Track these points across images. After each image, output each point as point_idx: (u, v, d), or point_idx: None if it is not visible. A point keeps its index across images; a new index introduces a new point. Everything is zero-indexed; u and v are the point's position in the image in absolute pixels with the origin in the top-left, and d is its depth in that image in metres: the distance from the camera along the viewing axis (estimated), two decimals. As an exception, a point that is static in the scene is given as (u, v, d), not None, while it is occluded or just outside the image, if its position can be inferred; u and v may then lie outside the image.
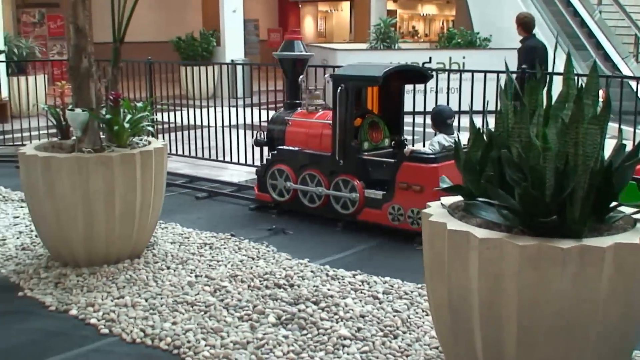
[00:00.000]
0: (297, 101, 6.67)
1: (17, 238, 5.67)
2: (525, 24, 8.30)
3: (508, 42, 14.77)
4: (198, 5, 18.32)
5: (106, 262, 4.87)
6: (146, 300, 4.32)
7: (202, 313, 4.13)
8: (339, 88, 5.86)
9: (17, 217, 6.31)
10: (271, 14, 29.55)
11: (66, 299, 4.34)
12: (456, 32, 15.33)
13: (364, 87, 6.23)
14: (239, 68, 10.59)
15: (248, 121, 8.59)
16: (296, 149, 6.33)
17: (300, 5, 31.12)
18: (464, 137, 6.10)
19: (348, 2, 31.27)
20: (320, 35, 32.63)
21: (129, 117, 5.06)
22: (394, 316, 4.05)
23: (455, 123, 5.96)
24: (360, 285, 4.55)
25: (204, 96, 10.15)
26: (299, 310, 4.11)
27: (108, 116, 4.90)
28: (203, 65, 14.08)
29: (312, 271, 4.82)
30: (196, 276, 4.74)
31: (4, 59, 12.38)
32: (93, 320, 4.06)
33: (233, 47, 17.03)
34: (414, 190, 5.54)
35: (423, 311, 4.13)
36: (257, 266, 4.93)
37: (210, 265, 4.97)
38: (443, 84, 7.55)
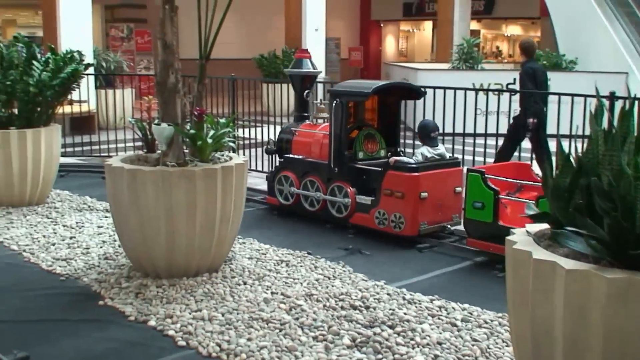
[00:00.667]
0: (305, 114, 7.36)
1: (101, 247, 5.83)
2: (526, 49, 8.97)
3: (595, 65, 14.43)
4: (281, 24, 18.58)
5: (185, 274, 4.96)
6: (223, 315, 4.36)
7: (277, 331, 4.14)
8: (335, 102, 6.47)
9: (101, 226, 6.49)
10: (352, 33, 29.69)
11: (145, 310, 4.43)
12: (541, 54, 15.04)
13: (357, 101, 6.72)
14: (320, 86, 10.66)
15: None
16: (300, 157, 6.97)
17: (381, 24, 31.16)
18: (446, 149, 6.55)
19: (430, 22, 31.14)
20: (402, 55, 32.58)
21: (212, 132, 5.15)
22: (473, 345, 3.97)
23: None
24: (437, 311, 4.48)
25: (285, 113, 10.25)
26: (374, 334, 4.07)
27: (192, 131, 5.00)
28: (284, 83, 14.25)
29: (388, 294, 4.78)
30: (272, 293, 4.77)
31: (92, 72, 12.81)
32: (171, 332, 4.12)
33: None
34: (396, 197, 6.08)
35: (503, 341, 4.03)
36: (333, 286, 4.92)
37: (286, 283, 4.99)
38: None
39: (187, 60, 6.90)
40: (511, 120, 8.58)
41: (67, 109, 10.95)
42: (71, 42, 11.59)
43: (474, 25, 29.11)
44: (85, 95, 10.96)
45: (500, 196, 5.47)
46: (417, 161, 6.23)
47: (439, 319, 4.36)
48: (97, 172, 9.03)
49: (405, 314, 4.39)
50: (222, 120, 5.39)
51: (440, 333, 4.13)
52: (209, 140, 5.06)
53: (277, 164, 7.23)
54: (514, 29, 35.67)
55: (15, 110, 7.27)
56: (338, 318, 4.33)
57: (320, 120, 7.09)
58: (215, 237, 4.96)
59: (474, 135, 8.34)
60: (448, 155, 6.58)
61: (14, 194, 7.18)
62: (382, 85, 6.55)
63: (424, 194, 6.01)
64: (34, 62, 7.19)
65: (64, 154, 9.42)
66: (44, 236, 6.17)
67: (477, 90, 8.34)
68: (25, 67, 7.17)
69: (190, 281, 4.88)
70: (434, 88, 7.67)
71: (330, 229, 6.61)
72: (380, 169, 6.30)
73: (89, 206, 7.35)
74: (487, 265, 5.45)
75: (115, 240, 5.92)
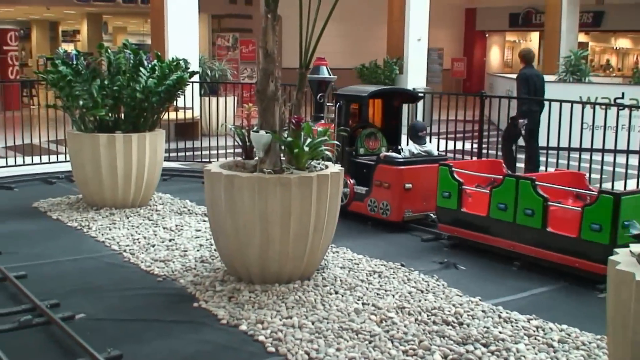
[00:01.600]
0: (321, 114, 8.10)
1: (198, 250, 5.95)
2: (524, 56, 9.99)
3: None
4: (383, 34, 18.56)
5: (278, 281, 4.99)
6: (313, 323, 4.36)
7: (367, 342, 4.10)
8: (337, 104, 7.28)
9: (199, 230, 6.63)
10: (456, 43, 29.35)
11: (237, 314, 4.48)
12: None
13: (359, 103, 7.47)
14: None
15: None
16: None
17: (487, 35, 30.67)
18: (433, 146, 7.29)
19: (537, 33, 30.43)
20: (507, 65, 31.97)
21: (309, 140, 5.17)
22: (569, 367, 3.81)
23: None
24: (534, 331, 4.33)
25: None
26: (467, 351, 3.97)
27: (289, 139, 5.04)
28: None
29: (483, 311, 4.65)
30: (363, 304, 4.73)
31: (197, 80, 13.16)
32: (261, 338, 4.15)
33: (415, 75, 17.05)
34: (384, 187, 6.93)
35: (602, 365, 3.86)
36: (425, 300, 4.84)
37: (378, 294, 4.94)
38: (636, 122, 7.23)
39: (288, 69, 6.98)
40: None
41: (172, 115, 11.29)
42: (178, 50, 11.96)
43: (582, 37, 28.27)
44: (190, 102, 11.25)
45: (465, 187, 6.19)
46: (405, 157, 7.11)
47: (535, 339, 4.21)
48: (198, 177, 9.25)
49: (500, 332, 4.26)
50: (320, 129, 5.41)
51: (536, 354, 3.98)
52: (306, 149, 5.09)
53: None
54: (623, 42, 34.41)
55: (122, 115, 7.54)
56: (430, 333, 4.24)
57: (332, 120, 7.80)
58: (309, 245, 4.97)
59: (579, 150, 8.09)
60: (436, 152, 7.48)
61: (118, 195, 7.44)
62: (378, 90, 7.49)
63: (408, 185, 6.85)
64: (141, 68, 7.44)
65: (167, 159, 9.71)
66: (145, 237, 6.36)
67: (584, 104, 8.10)
68: (133, 74, 7.43)
69: (282, 288, 4.90)
70: (543, 100, 7.47)
71: (424, 242, 6.52)
72: (372, 162, 7.12)
73: (189, 210, 7.52)
74: (587, 285, 5.23)
75: (211, 244, 6.03)
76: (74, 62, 7.46)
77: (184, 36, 13.56)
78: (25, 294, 4.75)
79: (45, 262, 5.68)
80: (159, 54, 8.07)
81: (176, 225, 6.80)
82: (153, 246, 6.08)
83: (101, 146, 7.26)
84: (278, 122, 5.13)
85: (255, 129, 5.16)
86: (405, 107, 8.49)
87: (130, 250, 5.98)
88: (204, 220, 6.96)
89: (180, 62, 7.64)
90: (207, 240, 6.25)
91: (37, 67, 23.99)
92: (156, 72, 7.46)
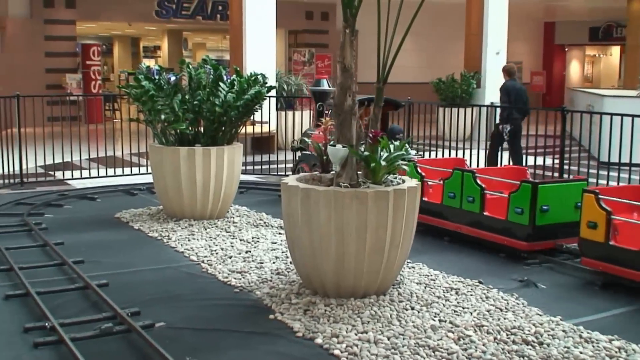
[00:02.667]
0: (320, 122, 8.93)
1: (273, 262, 6.00)
2: (507, 70, 11.54)
3: None
4: (460, 48, 18.40)
5: (353, 295, 4.98)
6: (388, 339, 4.33)
7: None
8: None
9: (275, 242, 6.69)
10: (535, 57, 28.84)
11: (313, 327, 4.49)
12: None
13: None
14: (499, 111, 10.41)
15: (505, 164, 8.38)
16: (309, 152, 8.51)
17: (566, 49, 30.04)
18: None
19: (618, 47, 29.62)
20: (587, 80, 31.21)
21: (385, 155, 5.16)
22: (656, 392, 3.67)
23: None
24: (616, 352, 4.19)
25: (460, 138, 10.10)
26: (547, 371, 3.87)
27: (366, 153, 5.04)
28: (461, 107, 14.06)
29: (564, 330, 4.53)
30: (440, 321, 4.67)
31: (274, 95, 13.31)
32: (336, 352, 4.15)
33: (493, 89, 16.79)
34: None
35: (691, 391, 3.70)
36: (504, 318, 4.74)
37: (455, 311, 4.87)
38: None
39: (364, 83, 7.00)
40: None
41: (249, 129, 11.45)
42: (256, 65, 12.14)
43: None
44: (266, 116, 11.39)
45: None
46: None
47: (618, 361, 4.08)
48: (274, 190, 9.36)
49: (581, 352, 4.14)
50: (397, 144, 5.39)
51: (620, 377, 3.85)
52: (383, 163, 5.08)
53: (297, 158, 9.07)
54: None
55: (202, 129, 7.70)
56: (509, 352, 4.16)
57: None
58: (385, 260, 4.95)
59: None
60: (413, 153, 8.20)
61: (197, 207, 7.58)
62: (364, 98, 7.78)
63: None
64: (221, 83, 7.58)
65: (244, 172, 9.84)
66: (222, 249, 6.45)
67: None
68: (212, 88, 7.57)
69: (357, 302, 4.89)
70: (622, 115, 7.27)
71: (503, 258, 6.40)
72: None
73: (265, 222, 7.60)
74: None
75: (287, 257, 6.07)
76: (156, 78, 7.65)
77: (262, 51, 13.76)
78: (106, 301, 4.88)
79: (126, 271, 5.83)
80: (238, 69, 8.20)
81: (252, 238, 6.88)
82: (230, 257, 6.16)
83: (181, 159, 7.43)
84: (355, 136, 5.14)
85: (332, 143, 5.18)
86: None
87: (208, 261, 6.07)
88: (280, 233, 7.02)
89: (259, 76, 7.75)
90: (282, 252, 6.30)
91: (118, 82, 24.77)
92: (235, 87, 7.58)
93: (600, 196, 5.58)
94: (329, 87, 9.29)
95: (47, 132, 10.57)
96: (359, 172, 5.14)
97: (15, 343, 4.30)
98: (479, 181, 6.72)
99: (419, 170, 7.25)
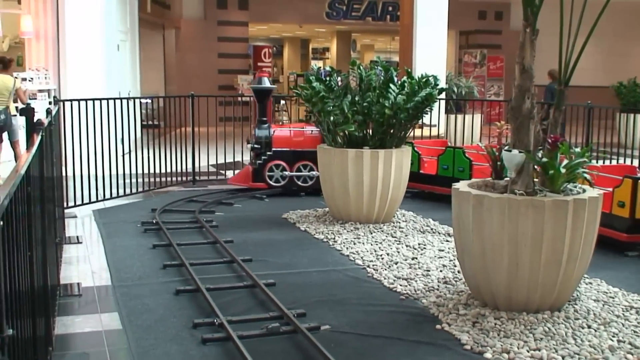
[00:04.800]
0: (264, 118, 9.75)
1: (440, 271, 5.91)
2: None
3: None
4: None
5: (525, 309, 4.80)
6: (563, 358, 4.13)
7: (626, 385, 3.81)
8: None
9: (442, 250, 6.60)
10: None
11: (482, 341, 4.37)
12: None
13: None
14: None
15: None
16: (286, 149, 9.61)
17: None
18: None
19: None
20: None
21: (565, 162, 4.94)
22: None
23: None
24: None
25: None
26: None
27: (544, 159, 4.84)
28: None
29: None
30: (619, 341, 4.40)
31: (443, 97, 13.16)
32: (507, 368, 4.01)
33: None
34: None
35: None
36: (695, 344, 4.39)
37: (635, 332, 4.57)
38: None
39: (537, 86, 6.74)
40: None
41: (417, 132, 11.39)
42: (425, 66, 12.07)
43: None
44: (435, 119, 11.28)
45: None
46: None
47: None
48: (442, 195, 9.23)
49: None
50: (577, 150, 5.15)
51: None
52: (562, 170, 4.86)
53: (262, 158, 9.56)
54: None
55: (370, 131, 7.74)
56: (701, 382, 3.85)
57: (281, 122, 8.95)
58: (561, 274, 4.73)
59: None
60: None
61: (363, 210, 7.63)
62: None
63: None
64: (391, 85, 7.59)
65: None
66: (388, 254, 6.45)
67: None
68: (382, 90, 7.60)
69: (530, 317, 4.71)
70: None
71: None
72: None
73: (432, 229, 7.52)
74: None
75: (455, 266, 5.97)
76: (327, 79, 7.79)
77: (432, 53, 13.68)
78: (273, 301, 5.01)
79: (292, 272, 5.97)
80: (409, 70, 8.17)
81: (419, 244, 6.82)
82: (396, 263, 6.14)
83: (349, 161, 7.51)
84: (532, 142, 4.96)
85: (507, 147, 5.03)
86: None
87: (373, 265, 6.09)
88: (447, 240, 6.91)
89: (430, 78, 7.68)
90: (450, 260, 6.20)
91: (287, 83, 25.48)
92: (405, 89, 7.56)
93: None
94: (270, 85, 9.70)
95: (219, 132, 11.07)
96: (535, 180, 4.96)
97: (184, 338, 4.50)
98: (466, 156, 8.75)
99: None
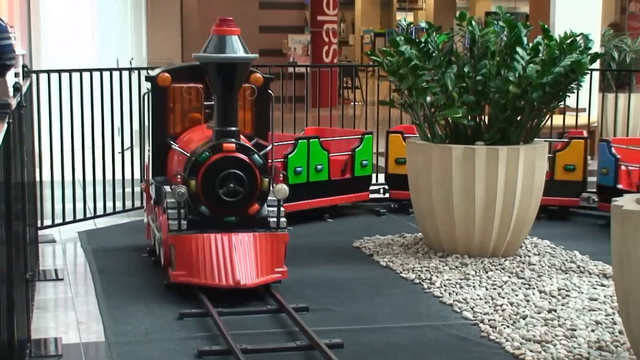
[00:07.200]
0: None
1: (592, 330, 5.84)
2: None
3: None
4: None
5: None
6: None
7: None
8: None
9: (595, 299, 6.51)
10: None
11: None
12: None
13: None
14: None
15: None
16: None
17: None
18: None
19: None
20: None
21: None
22: None
23: None
24: None
25: None
26: None
27: None
28: None
29: None
30: None
31: (597, 67, 12.95)
32: None
33: None
34: None
35: None
36: None
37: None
38: None
39: None
40: None
41: (555, 119, 11.20)
42: (570, 21, 11.87)
43: None
44: (584, 101, 11.06)
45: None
46: None
47: None
48: (593, 217, 9.14)
49: None
50: None
51: None
52: None
53: None
54: None
55: (486, 119, 7.68)
56: None
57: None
58: None
59: None
60: None
61: (474, 237, 7.58)
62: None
63: None
64: (518, 49, 7.48)
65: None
66: (511, 304, 6.40)
67: None
68: (505, 57, 7.51)
69: None
70: None
71: None
72: None
73: (578, 266, 7.44)
74: None
75: (615, 323, 5.89)
76: (421, 40, 7.74)
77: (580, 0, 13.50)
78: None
79: (368, 327, 5.97)
80: (546, 26, 8.03)
81: (559, 289, 6.75)
82: (524, 318, 6.09)
83: (454, 163, 7.46)
84: None
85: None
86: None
87: (490, 320, 6.04)
88: (603, 285, 6.83)
89: (578, 39, 7.57)
90: (607, 316, 6.11)
91: (361, 47, 25.44)
92: (540, 55, 7.48)
93: None
94: (247, 53, 6.70)
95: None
96: None
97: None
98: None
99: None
